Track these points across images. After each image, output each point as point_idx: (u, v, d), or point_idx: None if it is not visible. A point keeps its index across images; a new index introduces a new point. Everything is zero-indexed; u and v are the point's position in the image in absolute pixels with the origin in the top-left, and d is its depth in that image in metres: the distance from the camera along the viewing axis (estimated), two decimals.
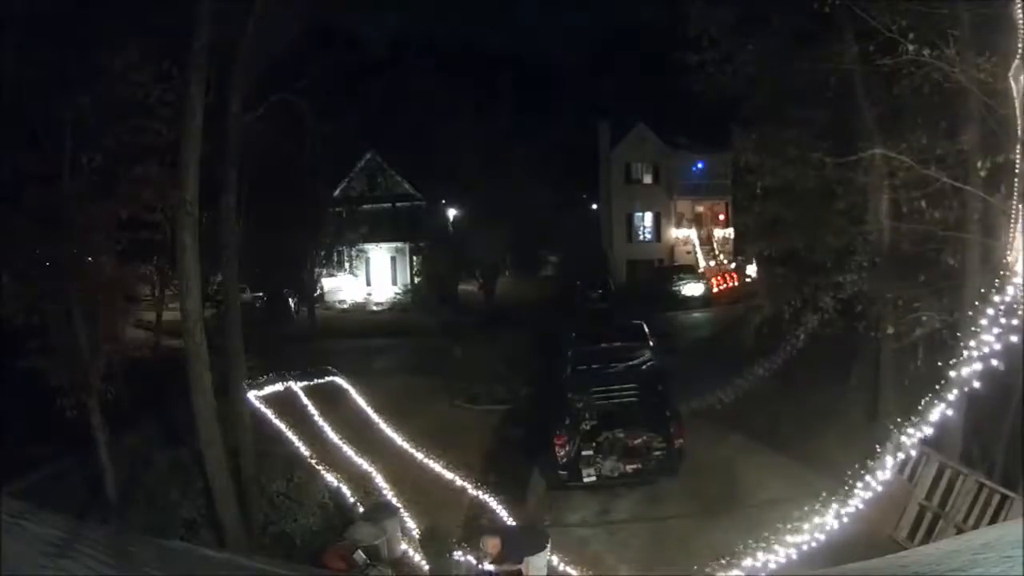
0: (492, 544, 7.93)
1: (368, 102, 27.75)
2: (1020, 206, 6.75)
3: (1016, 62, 6.64)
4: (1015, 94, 6.73)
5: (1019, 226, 6.74)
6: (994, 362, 6.71)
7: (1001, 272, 6.93)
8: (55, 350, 11.09)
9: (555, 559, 9.35)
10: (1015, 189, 6.98)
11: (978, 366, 6.76)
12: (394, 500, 11.27)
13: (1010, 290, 6.75)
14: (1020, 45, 6.52)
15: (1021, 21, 6.47)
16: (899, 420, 7.87)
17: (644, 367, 14.96)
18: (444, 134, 30.47)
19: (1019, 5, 6.48)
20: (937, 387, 7.23)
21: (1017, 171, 6.86)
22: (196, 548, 8.24)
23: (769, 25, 12.73)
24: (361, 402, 16.07)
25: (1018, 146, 6.99)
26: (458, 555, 9.37)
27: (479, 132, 29.97)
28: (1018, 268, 6.78)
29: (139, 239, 12.93)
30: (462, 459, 13.15)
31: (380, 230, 34.96)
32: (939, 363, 7.28)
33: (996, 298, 6.80)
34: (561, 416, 12.87)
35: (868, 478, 7.84)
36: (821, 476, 10.04)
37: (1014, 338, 6.64)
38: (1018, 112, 6.73)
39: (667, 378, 14.40)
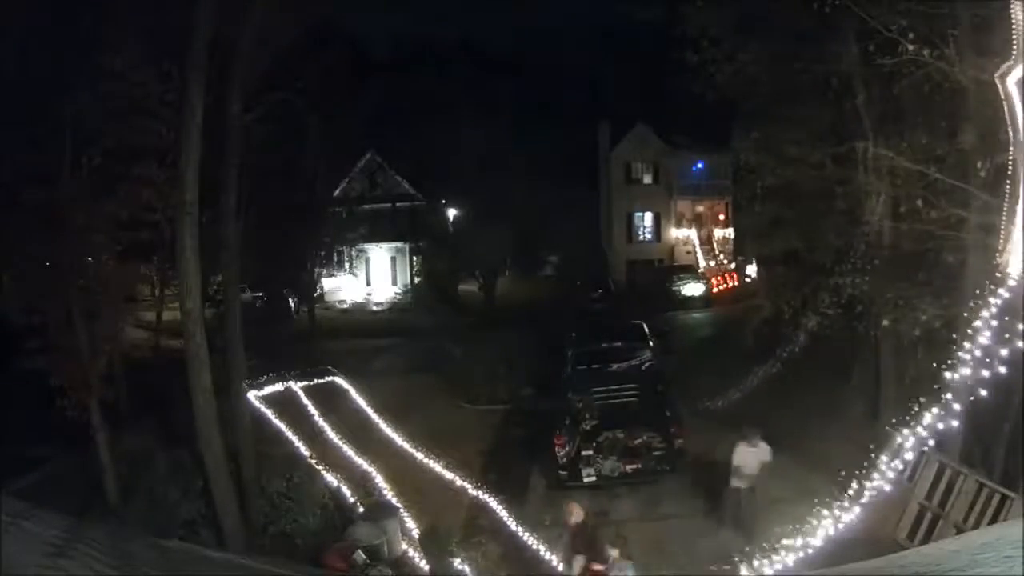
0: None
1: (368, 102, 27.72)
2: (1019, 207, 6.72)
3: (1012, 63, 6.60)
4: (1003, 95, 6.70)
5: (1018, 226, 6.72)
6: (1000, 368, 6.71)
7: (997, 273, 6.93)
8: (55, 350, 11.09)
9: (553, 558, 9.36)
10: (1008, 189, 6.95)
11: (984, 370, 6.76)
12: (394, 500, 11.27)
13: (1004, 291, 6.75)
14: (1015, 45, 6.49)
15: (1021, 19, 6.44)
16: (899, 420, 7.87)
17: (644, 367, 14.98)
18: (444, 134, 30.47)
19: (1015, 4, 6.45)
20: (937, 387, 7.23)
21: (1010, 172, 6.85)
22: (196, 548, 8.23)
23: (769, 25, 12.73)
24: (361, 402, 16.06)
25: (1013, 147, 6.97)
26: (458, 562, 9.39)
27: (479, 132, 29.96)
28: (1012, 269, 6.77)
29: (139, 239, 12.93)
30: (462, 459, 13.16)
31: (380, 230, 34.96)
32: (937, 363, 7.28)
33: (992, 299, 6.80)
34: (561, 416, 12.88)
35: (868, 478, 7.85)
36: (821, 476, 10.05)
37: (1017, 340, 6.63)
38: (1007, 113, 6.71)
39: (667, 378, 14.41)
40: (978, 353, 6.87)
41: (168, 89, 11.35)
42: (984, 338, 6.83)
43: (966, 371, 6.94)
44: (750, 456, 9.76)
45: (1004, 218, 6.92)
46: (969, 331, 7.00)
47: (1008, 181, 6.86)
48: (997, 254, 7.08)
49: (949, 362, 7.14)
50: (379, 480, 12.24)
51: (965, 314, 7.22)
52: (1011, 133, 6.73)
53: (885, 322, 11.52)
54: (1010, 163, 6.84)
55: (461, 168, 31.24)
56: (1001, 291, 6.77)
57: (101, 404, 11.49)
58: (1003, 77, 6.64)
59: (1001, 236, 6.97)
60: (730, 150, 18.01)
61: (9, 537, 3.81)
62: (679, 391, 14.55)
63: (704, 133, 32.65)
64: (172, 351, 15.41)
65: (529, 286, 37.27)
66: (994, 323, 6.80)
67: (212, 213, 12.38)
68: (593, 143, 40.96)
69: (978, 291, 7.14)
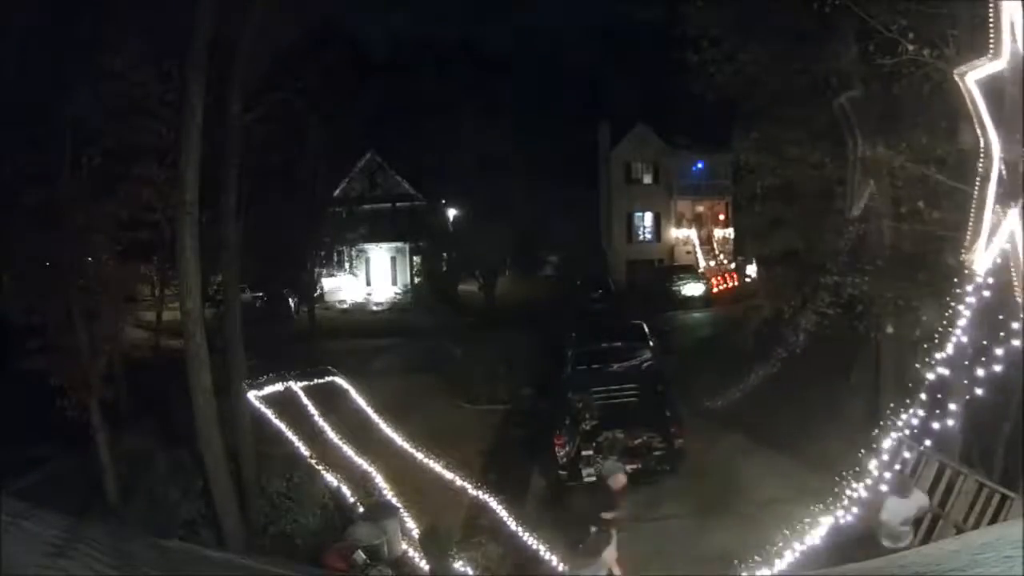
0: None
1: (368, 102, 27.74)
2: (991, 206, 6.71)
3: (977, 61, 6.57)
4: (964, 93, 6.68)
5: (985, 224, 6.70)
6: (988, 366, 6.73)
7: (964, 271, 6.94)
8: (55, 350, 11.09)
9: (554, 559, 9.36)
10: (976, 187, 6.94)
11: (978, 372, 6.78)
12: (394, 500, 11.27)
13: (972, 288, 6.76)
14: (991, 42, 6.47)
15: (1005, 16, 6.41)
16: (898, 420, 7.87)
17: (644, 367, 14.99)
18: (444, 134, 30.48)
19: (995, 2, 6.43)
20: (926, 388, 7.24)
21: (980, 171, 6.83)
22: (196, 548, 8.24)
23: (769, 25, 12.71)
24: (361, 402, 16.06)
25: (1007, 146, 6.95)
26: (459, 564, 9.38)
27: (479, 132, 29.97)
28: (978, 267, 6.77)
29: (139, 239, 12.94)
30: (462, 459, 13.16)
31: (380, 230, 34.98)
32: (934, 362, 7.29)
33: (967, 298, 6.81)
34: (561, 416, 12.88)
35: (867, 479, 7.85)
36: (821, 476, 10.04)
37: (1014, 341, 6.64)
38: (972, 111, 6.70)
39: (667, 378, 14.41)
40: (952, 353, 6.89)
41: (168, 89, 11.36)
42: (957, 337, 6.85)
43: (943, 371, 6.96)
44: (903, 509, 8.01)
45: (972, 216, 6.92)
46: (940, 330, 7.03)
47: (979, 179, 6.84)
48: (963, 251, 7.07)
49: (928, 362, 7.16)
50: (379, 480, 12.25)
51: (947, 313, 7.22)
52: (979, 132, 6.72)
53: (889, 329, 11.52)
54: (981, 162, 6.82)
55: (461, 168, 31.26)
56: (969, 288, 6.79)
57: (101, 404, 11.49)
58: (963, 75, 6.62)
59: (968, 234, 6.96)
60: (730, 150, 17.99)
61: (9, 537, 3.82)
62: (679, 391, 14.56)
63: (704, 133, 32.65)
64: (172, 351, 15.40)
65: (529, 286, 37.28)
66: (963, 323, 6.82)
67: (212, 213, 12.39)
68: (593, 143, 40.97)
69: (954, 291, 7.15)
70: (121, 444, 12.27)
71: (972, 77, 6.52)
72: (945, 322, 7.09)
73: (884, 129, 11.29)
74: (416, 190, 36.54)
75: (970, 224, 6.92)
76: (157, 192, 12.15)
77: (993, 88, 6.49)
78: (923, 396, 7.29)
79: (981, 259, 6.73)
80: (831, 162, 12.12)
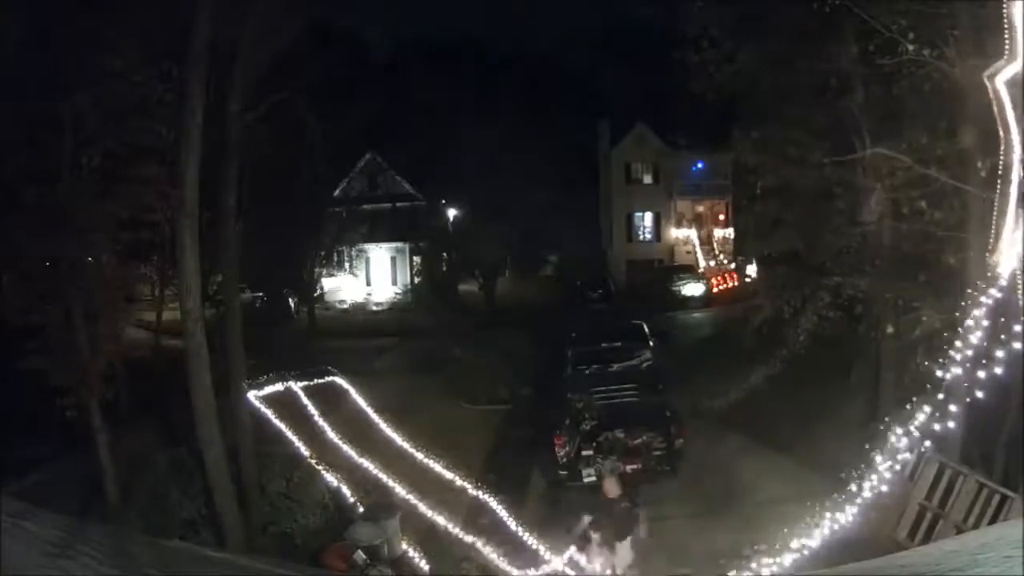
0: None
1: (368, 102, 27.79)
2: (1015, 207, 6.72)
3: (1002, 62, 6.59)
4: (992, 95, 6.69)
5: (1008, 226, 6.72)
6: (997, 368, 6.71)
7: (988, 273, 6.93)
8: (55, 350, 11.09)
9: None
10: (997, 188, 6.93)
11: (979, 371, 6.76)
12: (395, 500, 11.26)
13: (995, 291, 6.75)
14: (1007, 44, 6.49)
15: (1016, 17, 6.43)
16: (899, 420, 7.86)
17: (644, 367, 15.00)
18: (444, 134, 30.51)
19: (1007, 3, 6.44)
20: (933, 387, 7.24)
21: (1001, 171, 6.84)
22: (196, 548, 8.24)
23: (769, 25, 12.72)
24: (361, 402, 16.06)
25: (1015, 147, 6.96)
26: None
27: (479, 132, 30.00)
28: (1002, 269, 6.76)
29: (139, 239, 12.93)
30: (462, 459, 13.15)
31: (380, 230, 35.02)
32: (938, 362, 7.29)
33: (984, 299, 6.80)
34: (561, 416, 12.89)
35: (867, 478, 7.84)
36: (821, 476, 10.05)
37: (1015, 343, 6.63)
38: (997, 113, 6.71)
39: (667, 378, 14.42)
40: (970, 353, 6.87)
41: (168, 89, 11.35)
42: (975, 338, 6.83)
43: (958, 371, 6.94)
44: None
45: (995, 217, 6.92)
46: (960, 331, 7.01)
47: (1000, 180, 6.85)
48: (988, 253, 7.08)
49: (941, 361, 7.15)
50: (379, 480, 12.24)
51: (957, 314, 7.21)
52: (1001, 133, 6.73)
53: (889, 329, 11.52)
54: (1001, 162, 6.83)
55: (461, 168, 31.30)
56: (992, 291, 6.78)
57: (101, 404, 11.48)
58: (992, 77, 6.63)
59: (992, 235, 6.97)
60: (730, 150, 17.98)
61: (9, 537, 3.82)
62: (679, 391, 14.57)
63: (704, 133, 32.63)
64: (172, 351, 15.40)
65: (529, 286, 37.31)
66: (986, 323, 6.80)
67: (212, 213, 12.39)
68: (593, 143, 40.98)
69: (970, 291, 7.15)
70: (121, 444, 12.26)
71: (1000, 79, 6.54)
72: (955, 322, 7.07)
73: (887, 130, 11.29)
74: (416, 190, 36.55)
75: (993, 225, 6.92)
76: (157, 192, 12.15)
77: (1014, 90, 6.51)
78: (928, 396, 7.28)
79: (1005, 260, 6.73)
80: (831, 162, 12.13)
